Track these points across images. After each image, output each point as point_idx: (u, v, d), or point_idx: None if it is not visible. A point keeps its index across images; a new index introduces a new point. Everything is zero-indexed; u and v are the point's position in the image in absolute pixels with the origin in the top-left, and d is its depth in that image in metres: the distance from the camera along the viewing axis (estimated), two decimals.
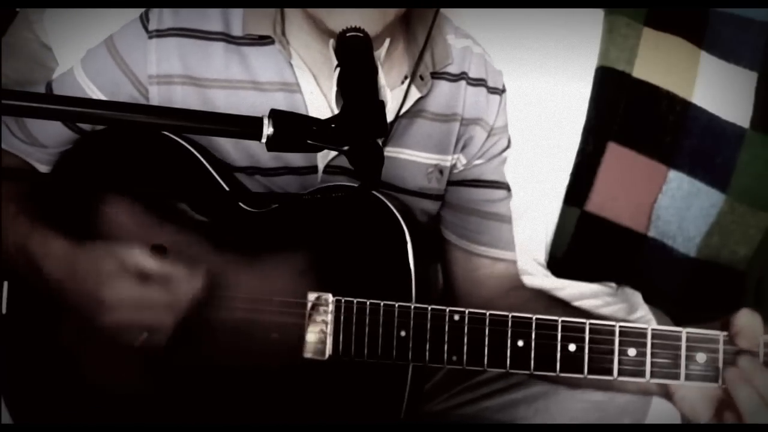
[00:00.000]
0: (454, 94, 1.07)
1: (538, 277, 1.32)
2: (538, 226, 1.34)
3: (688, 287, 1.34)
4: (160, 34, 1.00)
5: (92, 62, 1.03)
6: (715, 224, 1.33)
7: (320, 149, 0.71)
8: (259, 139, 0.67)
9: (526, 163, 1.32)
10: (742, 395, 0.78)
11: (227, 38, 1.01)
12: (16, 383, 1.01)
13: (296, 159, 1.03)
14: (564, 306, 1.08)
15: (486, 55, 1.12)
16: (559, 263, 1.34)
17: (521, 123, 1.31)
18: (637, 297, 1.32)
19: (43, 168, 1.07)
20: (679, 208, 1.32)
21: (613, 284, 1.34)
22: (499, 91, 1.12)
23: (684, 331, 0.81)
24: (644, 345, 0.81)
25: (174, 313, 0.87)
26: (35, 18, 1.33)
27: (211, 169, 1.00)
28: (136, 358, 0.92)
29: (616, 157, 1.32)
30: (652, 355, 0.81)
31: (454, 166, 1.10)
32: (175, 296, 0.87)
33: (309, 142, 0.69)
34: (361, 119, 0.73)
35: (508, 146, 1.16)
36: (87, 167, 1.05)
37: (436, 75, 1.06)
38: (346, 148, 0.70)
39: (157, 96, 1.01)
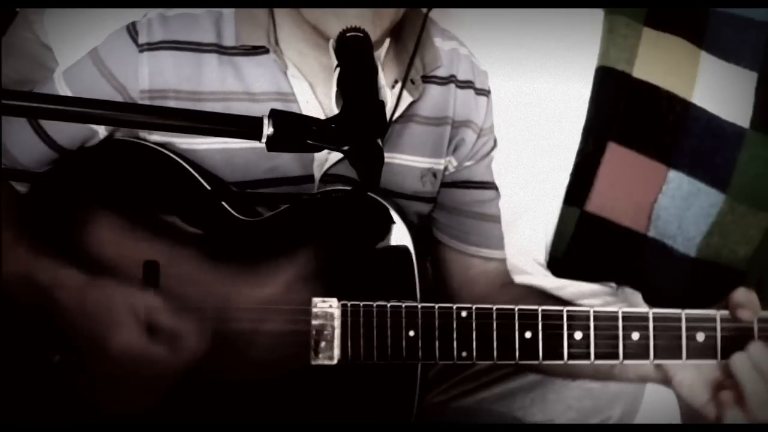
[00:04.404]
0: (444, 97, 1.08)
1: (538, 277, 1.33)
2: (538, 226, 1.34)
3: (688, 287, 1.34)
4: (152, 47, 0.97)
5: (77, 76, 0.99)
6: (715, 224, 1.33)
7: (320, 149, 0.71)
8: (259, 139, 0.67)
9: (526, 163, 1.32)
10: (749, 381, 0.81)
11: (220, 49, 0.99)
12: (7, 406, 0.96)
13: (292, 169, 1.01)
14: (555, 301, 1.08)
15: (472, 57, 1.12)
16: (559, 263, 1.34)
17: (521, 123, 1.31)
18: (637, 297, 1.32)
19: (22, 187, 1.02)
20: (679, 208, 1.32)
21: (613, 284, 1.34)
22: (486, 92, 1.12)
23: (683, 312, 0.85)
24: (647, 328, 0.85)
25: (182, 364, 0.88)
26: (35, 18, 1.33)
27: (200, 178, 0.98)
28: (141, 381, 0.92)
29: (616, 157, 1.32)
30: (655, 337, 0.85)
31: (446, 169, 1.10)
32: (181, 351, 0.87)
33: (309, 142, 0.69)
34: (361, 119, 0.73)
35: (494, 146, 1.16)
36: (74, 185, 1.01)
37: (426, 79, 1.06)
38: (346, 148, 0.71)
39: None
